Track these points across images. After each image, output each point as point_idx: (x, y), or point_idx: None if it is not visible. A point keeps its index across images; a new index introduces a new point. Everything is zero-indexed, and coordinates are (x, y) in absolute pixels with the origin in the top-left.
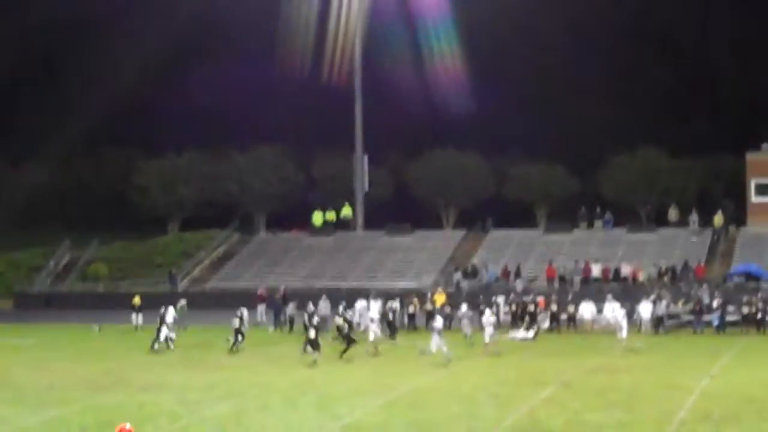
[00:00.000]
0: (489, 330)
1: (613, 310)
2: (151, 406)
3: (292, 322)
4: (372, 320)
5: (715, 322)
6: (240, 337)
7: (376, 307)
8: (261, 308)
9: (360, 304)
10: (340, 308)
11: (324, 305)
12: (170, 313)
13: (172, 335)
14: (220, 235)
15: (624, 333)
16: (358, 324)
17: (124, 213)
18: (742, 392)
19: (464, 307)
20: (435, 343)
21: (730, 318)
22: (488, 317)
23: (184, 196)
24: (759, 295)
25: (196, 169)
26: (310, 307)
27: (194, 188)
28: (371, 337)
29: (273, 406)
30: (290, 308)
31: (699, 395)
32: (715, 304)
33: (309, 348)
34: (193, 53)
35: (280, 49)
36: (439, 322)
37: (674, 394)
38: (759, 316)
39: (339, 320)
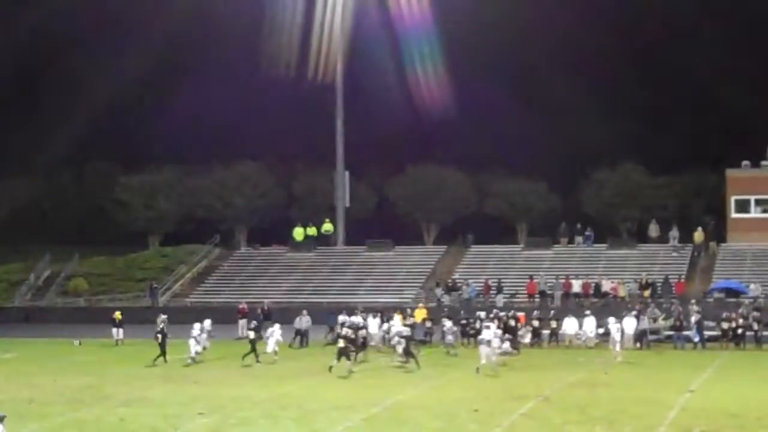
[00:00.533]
0: (485, 349)
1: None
2: (132, 420)
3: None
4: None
5: (695, 338)
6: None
7: (375, 323)
8: (242, 322)
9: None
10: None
11: (305, 320)
12: (198, 328)
13: (198, 348)
14: (201, 250)
15: (618, 347)
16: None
17: (105, 228)
18: (722, 408)
19: (448, 323)
20: (484, 353)
21: (709, 333)
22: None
23: (164, 211)
24: (739, 310)
25: (177, 184)
26: (342, 317)
27: (175, 203)
28: (399, 350)
29: (253, 420)
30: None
31: (679, 410)
32: (693, 319)
33: (343, 359)
34: (175, 69)
35: (262, 65)
36: (487, 334)
37: (655, 410)
38: (739, 331)
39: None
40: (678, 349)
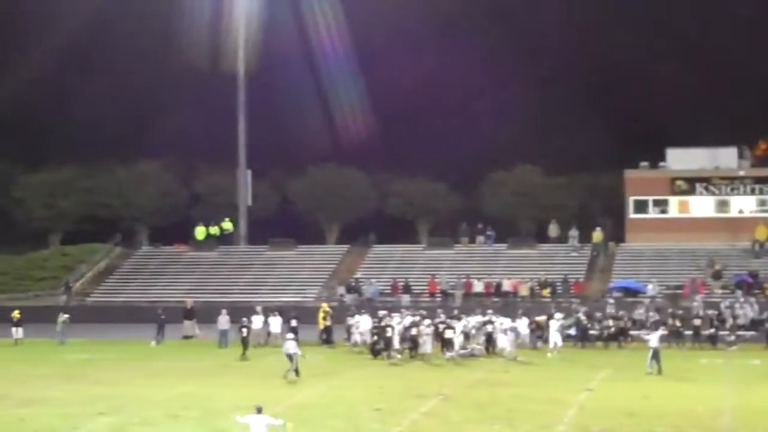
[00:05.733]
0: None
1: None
2: (32, 420)
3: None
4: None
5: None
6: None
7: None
8: (188, 322)
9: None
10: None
11: (224, 320)
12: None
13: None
14: (102, 249)
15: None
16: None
17: (4, 227)
18: (620, 406)
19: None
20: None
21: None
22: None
23: (64, 210)
24: (638, 310)
25: (77, 182)
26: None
27: (75, 202)
28: (428, 348)
29: (155, 420)
30: (224, 322)
31: (578, 409)
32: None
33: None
34: (76, 67)
35: (164, 64)
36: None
37: (553, 409)
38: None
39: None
40: (576, 348)
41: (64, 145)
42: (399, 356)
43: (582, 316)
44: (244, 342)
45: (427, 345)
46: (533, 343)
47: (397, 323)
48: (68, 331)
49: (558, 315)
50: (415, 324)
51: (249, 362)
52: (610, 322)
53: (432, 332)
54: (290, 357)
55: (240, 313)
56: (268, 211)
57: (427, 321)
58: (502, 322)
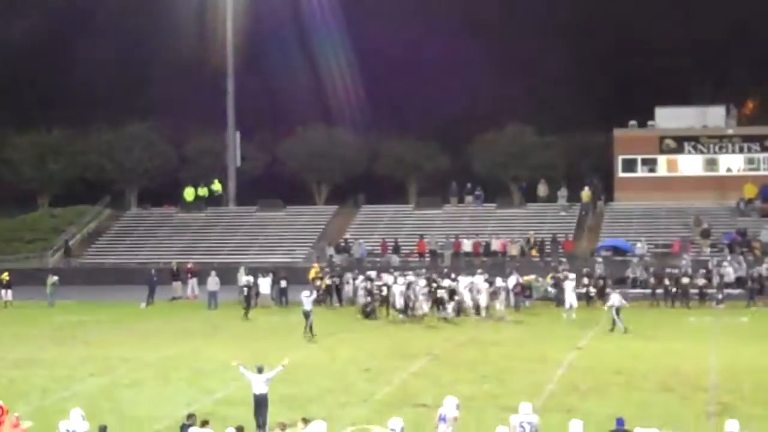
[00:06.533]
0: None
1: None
2: (22, 382)
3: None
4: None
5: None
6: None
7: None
8: (192, 282)
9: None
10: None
11: (213, 281)
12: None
13: None
14: (91, 210)
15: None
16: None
17: None
18: (609, 364)
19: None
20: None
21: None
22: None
23: (54, 172)
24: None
25: (66, 144)
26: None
27: (65, 164)
28: (425, 308)
29: (144, 381)
30: (213, 283)
31: (567, 368)
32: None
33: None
34: (66, 29)
35: (153, 25)
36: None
37: (543, 367)
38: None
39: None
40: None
41: (53, 108)
42: (401, 316)
43: (561, 276)
44: (248, 301)
45: (424, 305)
46: (521, 304)
47: (402, 283)
48: (57, 293)
49: (571, 275)
50: (410, 284)
51: (240, 323)
52: (586, 280)
53: (427, 292)
54: (307, 314)
55: (230, 273)
56: (256, 172)
57: (423, 281)
58: (492, 281)
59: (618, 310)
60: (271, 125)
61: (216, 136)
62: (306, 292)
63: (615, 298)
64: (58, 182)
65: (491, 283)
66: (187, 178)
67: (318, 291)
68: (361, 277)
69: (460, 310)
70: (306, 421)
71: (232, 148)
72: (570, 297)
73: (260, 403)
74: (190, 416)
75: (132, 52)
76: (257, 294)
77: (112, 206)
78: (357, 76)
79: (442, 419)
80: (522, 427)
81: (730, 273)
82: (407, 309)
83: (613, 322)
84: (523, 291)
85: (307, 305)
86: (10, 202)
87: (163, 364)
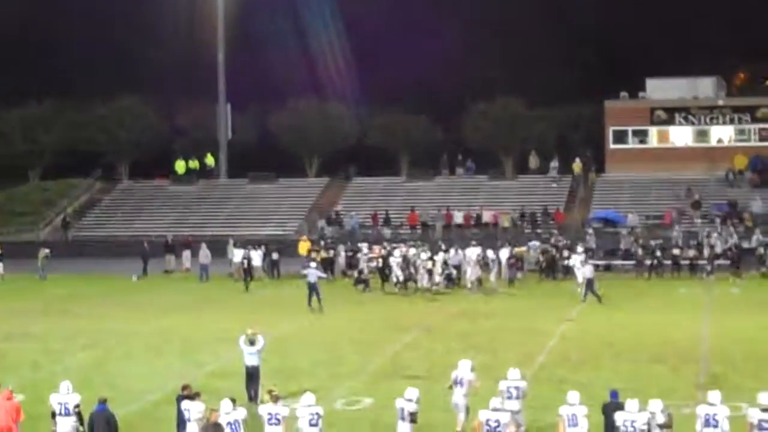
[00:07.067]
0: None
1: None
2: (13, 355)
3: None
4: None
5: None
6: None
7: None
8: (186, 253)
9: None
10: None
11: (204, 254)
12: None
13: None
14: (83, 183)
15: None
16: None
17: None
18: (599, 335)
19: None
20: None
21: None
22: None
23: (45, 145)
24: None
25: (57, 117)
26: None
27: (56, 136)
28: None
29: (136, 353)
30: (204, 256)
31: (558, 339)
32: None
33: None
34: (59, 1)
35: None
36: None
37: (534, 338)
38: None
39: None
40: (558, 280)
41: (44, 80)
42: (397, 288)
43: (549, 247)
44: (248, 273)
45: (424, 278)
46: (513, 275)
47: (399, 255)
48: (49, 266)
49: (579, 248)
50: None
51: (233, 295)
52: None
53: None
54: (312, 286)
55: (221, 246)
56: (248, 144)
57: (424, 255)
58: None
59: (590, 282)
60: (263, 98)
61: (207, 109)
62: (312, 264)
63: (587, 270)
64: (48, 155)
65: (483, 256)
66: (178, 151)
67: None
68: (365, 249)
69: (449, 280)
70: (271, 393)
71: (223, 121)
72: (585, 270)
73: (252, 375)
74: (185, 387)
75: (123, 24)
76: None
77: (103, 179)
78: (348, 49)
79: (460, 383)
80: (509, 392)
81: (719, 244)
82: (406, 281)
83: (586, 294)
84: (516, 263)
85: (312, 278)
86: (1, 175)
87: (154, 336)
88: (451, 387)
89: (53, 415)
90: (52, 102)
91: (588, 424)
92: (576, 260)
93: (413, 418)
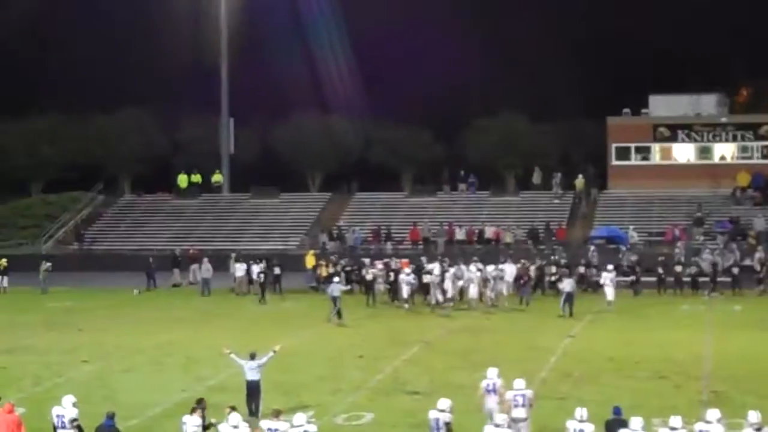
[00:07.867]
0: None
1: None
2: (15, 368)
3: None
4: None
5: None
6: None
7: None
8: (194, 267)
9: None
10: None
11: (205, 268)
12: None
13: None
14: (85, 197)
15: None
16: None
17: None
18: (601, 352)
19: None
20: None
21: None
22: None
23: (47, 158)
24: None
25: (59, 130)
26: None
27: (57, 150)
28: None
29: (138, 367)
30: (205, 270)
31: (560, 355)
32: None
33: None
34: (59, 13)
35: (148, 10)
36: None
37: (536, 355)
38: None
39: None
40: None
41: (46, 93)
42: (406, 306)
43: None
44: (262, 287)
45: (438, 294)
46: (525, 293)
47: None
48: (50, 280)
49: (610, 266)
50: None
51: (233, 311)
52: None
53: (439, 281)
54: (334, 300)
55: (224, 261)
56: (250, 159)
57: (437, 270)
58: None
59: (570, 296)
60: (265, 112)
61: (210, 122)
62: (336, 278)
63: (568, 284)
64: (51, 168)
65: (481, 270)
66: (180, 165)
67: (318, 279)
68: (380, 265)
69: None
70: (233, 408)
71: (225, 135)
72: (610, 290)
73: (253, 390)
74: (200, 401)
75: (125, 38)
76: (251, 281)
77: (105, 193)
78: (351, 64)
79: (492, 390)
80: (516, 399)
81: (720, 262)
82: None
83: (567, 306)
84: (529, 281)
85: (336, 291)
86: (3, 188)
87: (155, 350)
88: (482, 396)
89: (54, 429)
90: (55, 115)
91: None
92: (606, 278)
93: (449, 428)
